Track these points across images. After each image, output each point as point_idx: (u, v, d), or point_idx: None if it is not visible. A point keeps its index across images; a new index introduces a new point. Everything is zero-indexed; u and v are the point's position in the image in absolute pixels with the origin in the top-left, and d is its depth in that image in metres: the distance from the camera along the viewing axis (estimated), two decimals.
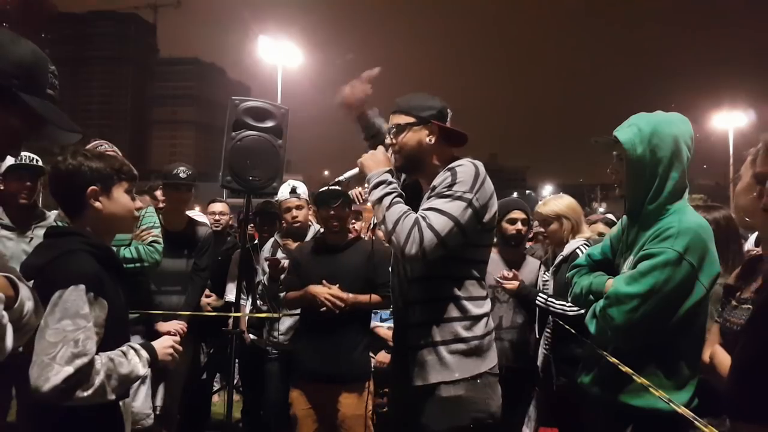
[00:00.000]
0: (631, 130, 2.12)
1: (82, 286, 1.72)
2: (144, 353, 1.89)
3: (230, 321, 3.92)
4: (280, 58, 25.76)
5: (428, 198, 2.07)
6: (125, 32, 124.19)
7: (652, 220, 2.09)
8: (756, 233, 3.73)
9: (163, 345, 1.98)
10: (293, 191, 3.92)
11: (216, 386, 5.22)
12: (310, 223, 4.10)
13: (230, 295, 4.40)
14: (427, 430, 2.05)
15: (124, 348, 1.85)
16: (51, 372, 1.62)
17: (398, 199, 2.06)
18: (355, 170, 2.28)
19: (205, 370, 4.57)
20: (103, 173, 1.93)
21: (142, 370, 1.85)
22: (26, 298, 1.46)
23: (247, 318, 4.16)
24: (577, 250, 3.27)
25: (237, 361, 4.22)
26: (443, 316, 2.07)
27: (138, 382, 2.88)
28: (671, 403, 1.86)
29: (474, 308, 2.09)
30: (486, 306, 2.14)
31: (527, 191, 77.24)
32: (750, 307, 1.73)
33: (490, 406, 2.07)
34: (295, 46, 26.86)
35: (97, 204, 1.92)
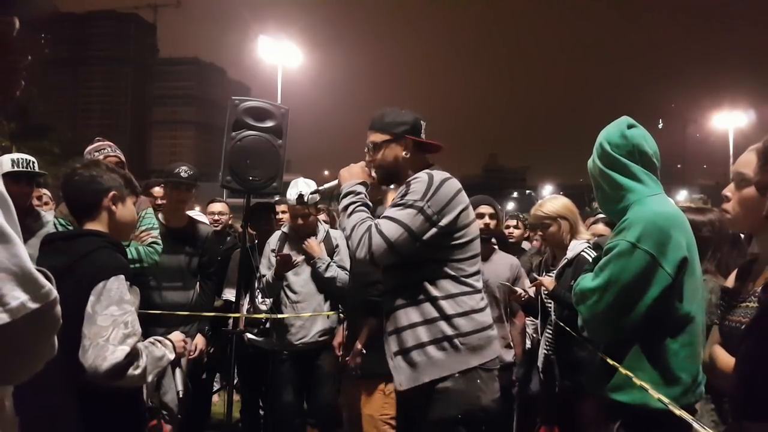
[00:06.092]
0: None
1: (122, 276, 1.87)
2: (168, 342, 2.06)
3: (230, 321, 3.92)
4: (280, 58, 25.78)
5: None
6: (125, 32, 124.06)
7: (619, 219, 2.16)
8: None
9: (177, 338, 2.16)
10: (300, 199, 3.56)
11: (216, 386, 5.22)
12: (318, 222, 4.04)
13: (229, 294, 4.39)
14: (417, 422, 2.15)
15: (150, 339, 2.00)
16: (107, 352, 1.75)
17: (361, 208, 2.19)
18: (335, 182, 2.41)
19: (205, 369, 4.57)
20: (119, 182, 2.10)
21: (171, 354, 2.03)
22: None
23: (244, 317, 4.15)
24: (583, 253, 3.22)
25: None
26: (424, 318, 2.12)
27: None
28: (662, 401, 1.86)
29: (454, 306, 2.12)
30: (471, 302, 2.16)
31: (527, 191, 77.07)
32: (749, 304, 1.72)
33: (480, 399, 2.10)
34: (295, 46, 26.90)
35: (114, 208, 2.05)
